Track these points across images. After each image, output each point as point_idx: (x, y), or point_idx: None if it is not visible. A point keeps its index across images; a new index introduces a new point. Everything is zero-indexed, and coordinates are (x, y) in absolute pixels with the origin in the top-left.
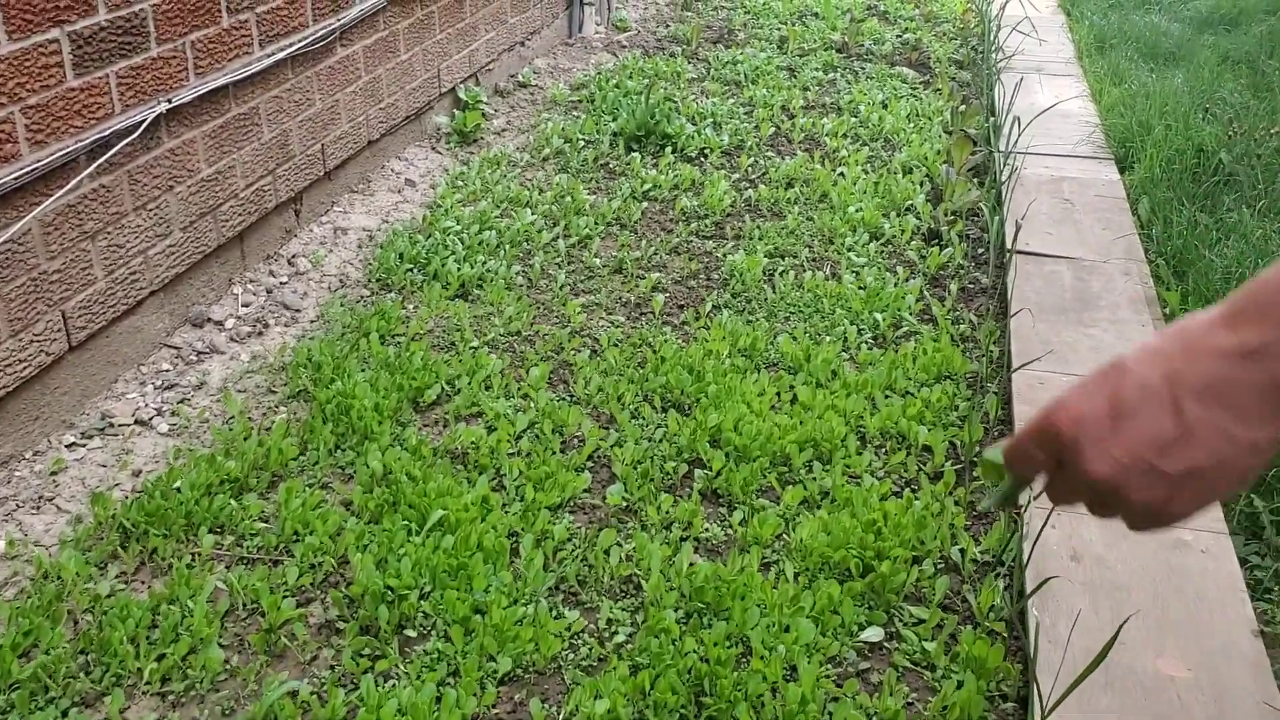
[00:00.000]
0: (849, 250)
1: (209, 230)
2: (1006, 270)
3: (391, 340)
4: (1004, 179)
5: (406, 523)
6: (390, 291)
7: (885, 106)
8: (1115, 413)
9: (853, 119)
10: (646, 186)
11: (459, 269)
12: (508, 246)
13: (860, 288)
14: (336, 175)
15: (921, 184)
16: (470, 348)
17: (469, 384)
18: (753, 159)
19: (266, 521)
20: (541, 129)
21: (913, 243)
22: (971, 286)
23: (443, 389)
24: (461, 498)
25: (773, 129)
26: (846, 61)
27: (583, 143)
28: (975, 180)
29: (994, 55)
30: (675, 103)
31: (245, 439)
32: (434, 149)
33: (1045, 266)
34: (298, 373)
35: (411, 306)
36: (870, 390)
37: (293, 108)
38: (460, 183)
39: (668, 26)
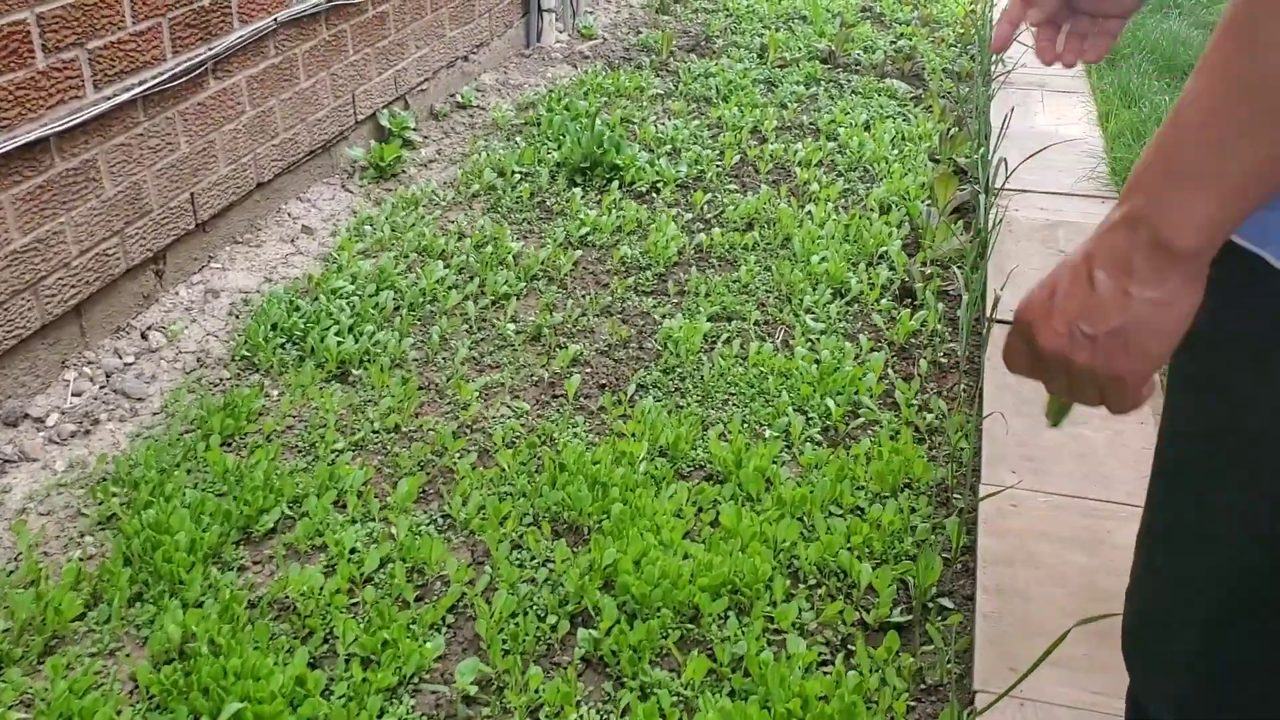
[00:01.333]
0: (806, 312)
1: (28, 309)
2: (984, 345)
3: (238, 442)
4: (990, 224)
5: (195, 718)
6: (256, 372)
7: (868, 128)
8: (1052, 293)
9: (830, 144)
10: (584, 230)
11: (340, 343)
12: (405, 311)
13: (814, 362)
14: (214, 226)
15: (900, 225)
16: (332, 451)
17: (317, 505)
18: (711, 194)
19: (28, 706)
20: (475, 160)
21: (882, 302)
22: (945, 360)
23: (283, 513)
24: (271, 679)
25: (738, 157)
26: (832, 73)
27: (519, 176)
28: (960, 222)
29: (993, 67)
30: (634, 124)
31: (27, 587)
32: (344, 187)
33: None
34: (109, 493)
35: (275, 393)
36: (809, 507)
37: (148, 155)
38: (365, 230)
39: (639, 33)
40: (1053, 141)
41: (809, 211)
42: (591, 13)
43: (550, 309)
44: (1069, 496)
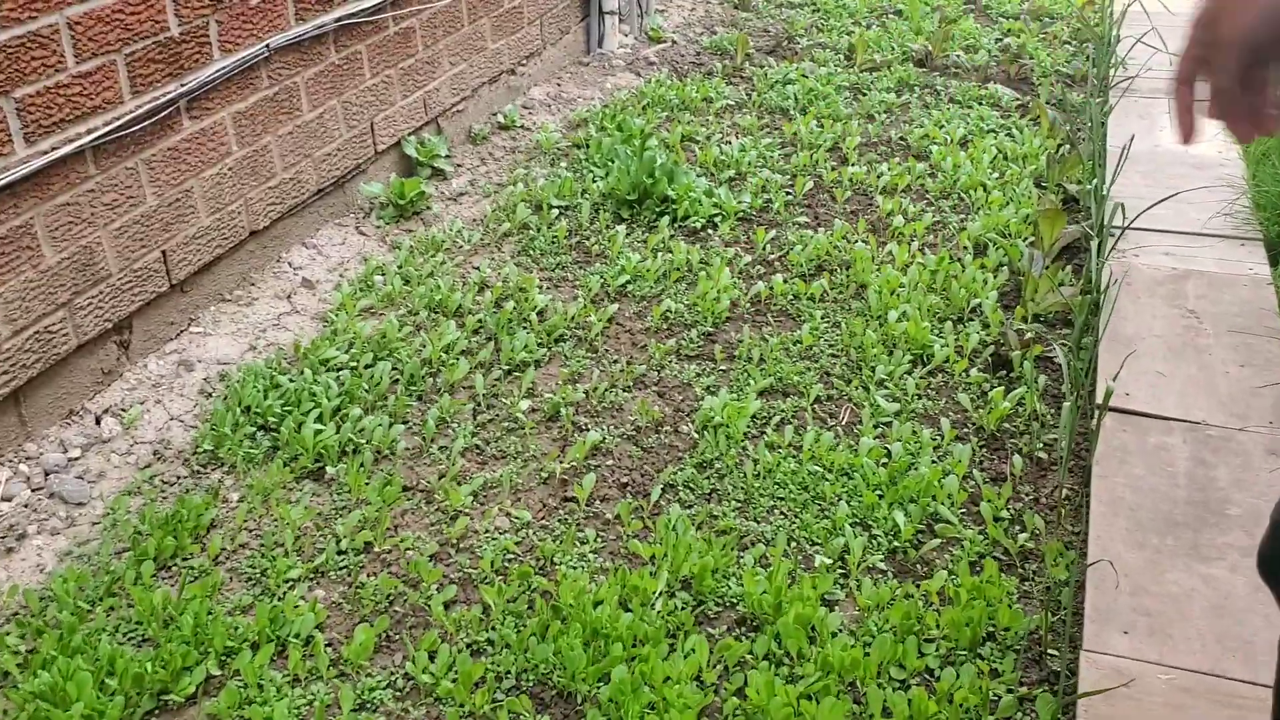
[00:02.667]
0: (878, 386)
1: None
2: (1094, 441)
3: (178, 567)
4: (1104, 275)
5: None
6: (219, 468)
7: (965, 146)
8: None
9: (920, 165)
10: (624, 279)
11: (318, 432)
12: (403, 388)
13: (883, 458)
14: (195, 285)
15: (996, 271)
16: (284, 582)
17: (251, 662)
18: (776, 231)
19: None
20: (510, 192)
21: (971, 373)
22: (1045, 455)
23: (209, 673)
24: None
25: (812, 182)
26: (927, 78)
27: (557, 212)
28: (1069, 267)
29: (1112, 72)
30: (697, 142)
31: None
32: (359, 229)
33: (1150, 437)
34: (3, 645)
35: (235, 497)
36: (863, 675)
37: (102, 212)
38: (375, 281)
39: (714, 33)
40: (1181, 166)
41: (890, 253)
42: (664, 10)
43: (574, 380)
44: (1200, 674)
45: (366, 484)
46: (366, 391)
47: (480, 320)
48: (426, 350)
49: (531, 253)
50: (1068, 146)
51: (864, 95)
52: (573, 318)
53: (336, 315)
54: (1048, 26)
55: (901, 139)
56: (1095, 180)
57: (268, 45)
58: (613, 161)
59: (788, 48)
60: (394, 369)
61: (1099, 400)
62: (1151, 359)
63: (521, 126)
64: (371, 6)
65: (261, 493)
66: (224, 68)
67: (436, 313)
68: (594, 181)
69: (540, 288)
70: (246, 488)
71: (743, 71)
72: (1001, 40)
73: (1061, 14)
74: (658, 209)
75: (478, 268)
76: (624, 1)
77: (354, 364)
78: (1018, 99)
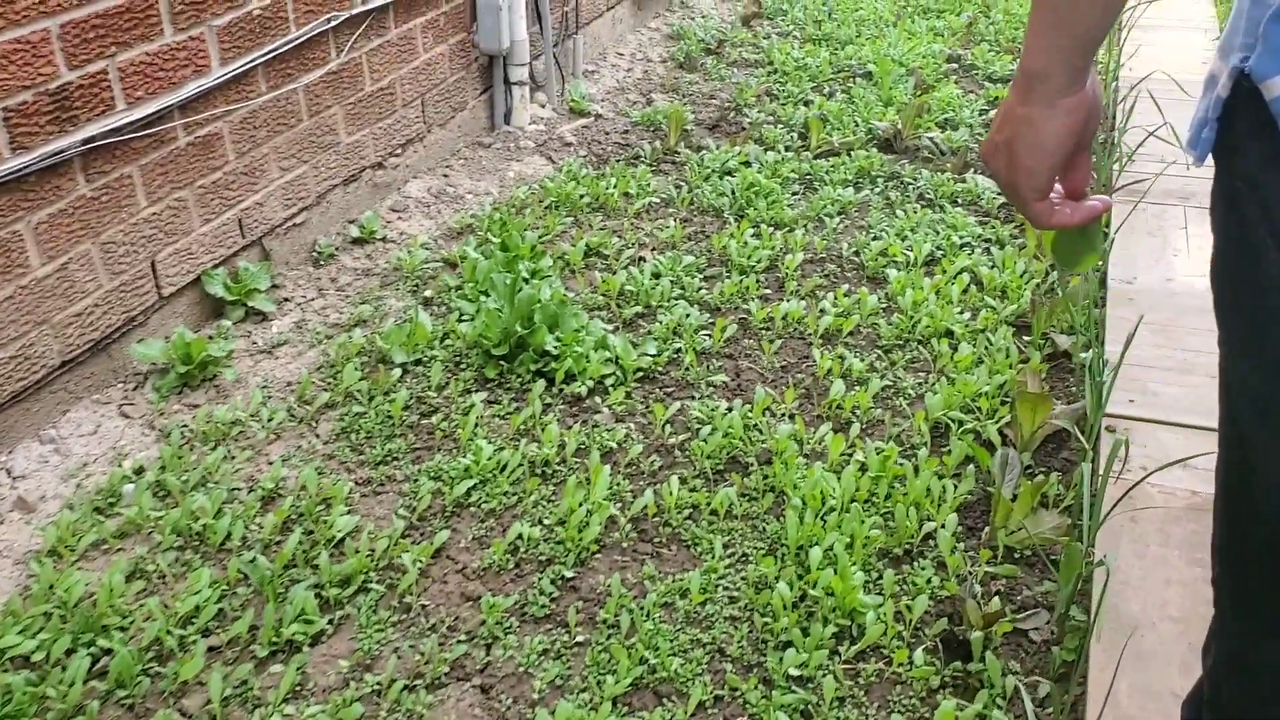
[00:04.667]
0: (785, 683)
1: None
2: None
3: None
4: (1100, 501)
5: None
6: None
7: (932, 268)
8: (997, 114)
9: (874, 297)
10: (467, 483)
11: None
12: (108, 690)
13: None
14: None
15: (959, 474)
16: None
17: None
18: (681, 402)
19: None
20: (345, 341)
21: (915, 658)
22: None
23: None
24: None
25: (736, 324)
26: (894, 165)
27: (399, 371)
28: (1056, 474)
29: (1116, 167)
30: (605, 258)
31: None
32: (123, 409)
33: None
34: None
35: None
36: None
37: None
38: (119, 496)
39: (650, 101)
40: (1205, 314)
41: (822, 441)
42: (595, 72)
43: (364, 668)
44: None
45: None
46: (46, 709)
47: (253, 562)
48: (155, 625)
49: (353, 438)
50: (1057, 276)
51: (816, 189)
52: (383, 554)
53: (44, 561)
54: None
55: (855, 254)
56: (1090, 344)
57: None
58: (487, 294)
59: (733, 121)
60: (98, 663)
61: None
62: (1165, 665)
63: (383, 239)
64: (141, 119)
65: None
66: None
67: (192, 550)
68: (460, 321)
69: (351, 500)
70: None
71: (676, 155)
72: (986, 113)
73: None
74: (533, 367)
75: (272, 464)
76: (541, 67)
77: (44, 655)
78: (1001, 196)
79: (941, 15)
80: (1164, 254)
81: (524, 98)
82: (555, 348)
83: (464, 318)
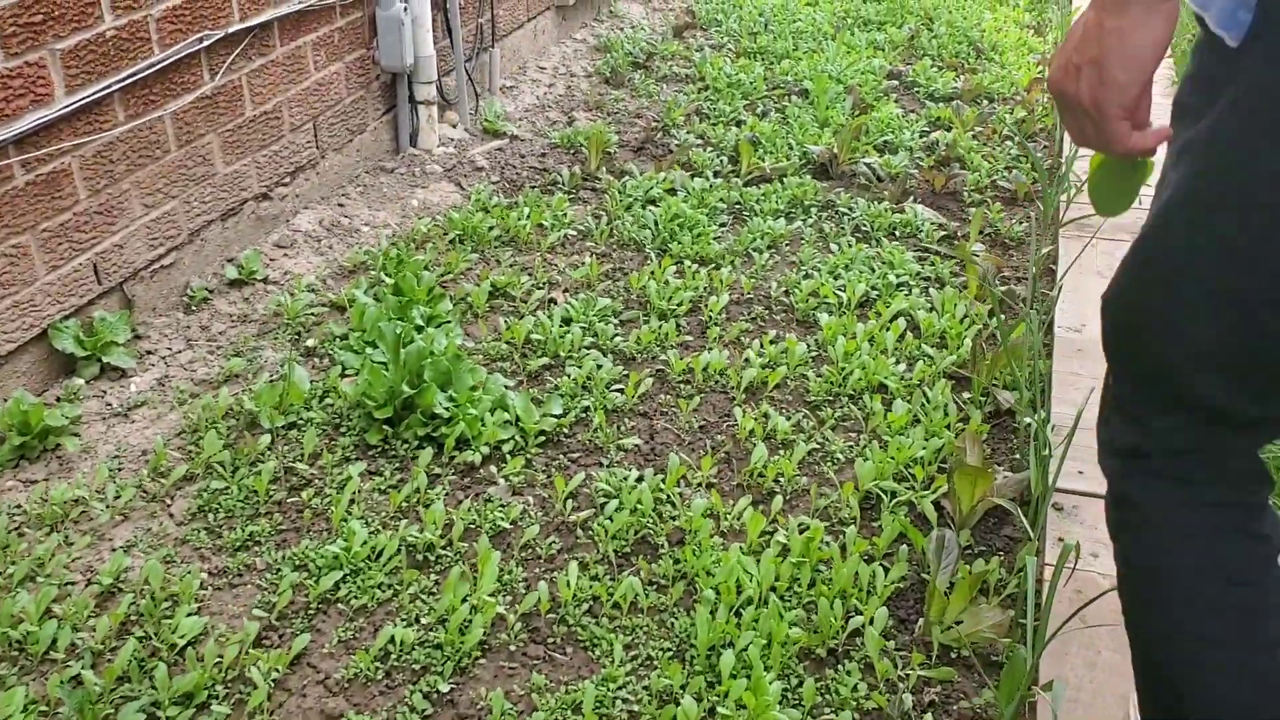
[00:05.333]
0: None
1: None
2: None
3: None
4: (1045, 610)
5: None
6: None
7: (866, 311)
8: (1066, 42)
9: (803, 345)
10: (335, 575)
11: None
12: None
13: None
14: None
15: (890, 557)
16: None
17: None
18: (587, 471)
19: None
20: (212, 401)
21: None
22: None
23: None
24: None
25: (652, 378)
26: (829, 193)
27: (269, 438)
28: (1001, 559)
29: (1064, 198)
30: (512, 300)
31: None
32: None
33: None
34: None
35: None
36: None
37: None
38: None
39: (571, 120)
40: None
41: (740, 516)
42: (513, 88)
43: None
44: None
45: None
46: None
47: (74, 686)
48: None
49: (211, 518)
50: (1001, 317)
51: (746, 220)
52: (233, 663)
53: None
54: (988, 112)
55: (785, 295)
56: (1035, 401)
57: None
58: (375, 345)
59: (660, 143)
60: None
61: None
62: None
63: (264, 280)
64: None
65: None
66: None
67: (9, 662)
68: (345, 376)
69: (201, 596)
70: None
71: (597, 180)
72: (927, 135)
73: (1004, 94)
74: (421, 432)
75: (115, 551)
76: (453, 84)
77: None
78: (942, 226)
79: (883, 27)
80: None
81: (431, 118)
82: (447, 409)
83: (348, 372)
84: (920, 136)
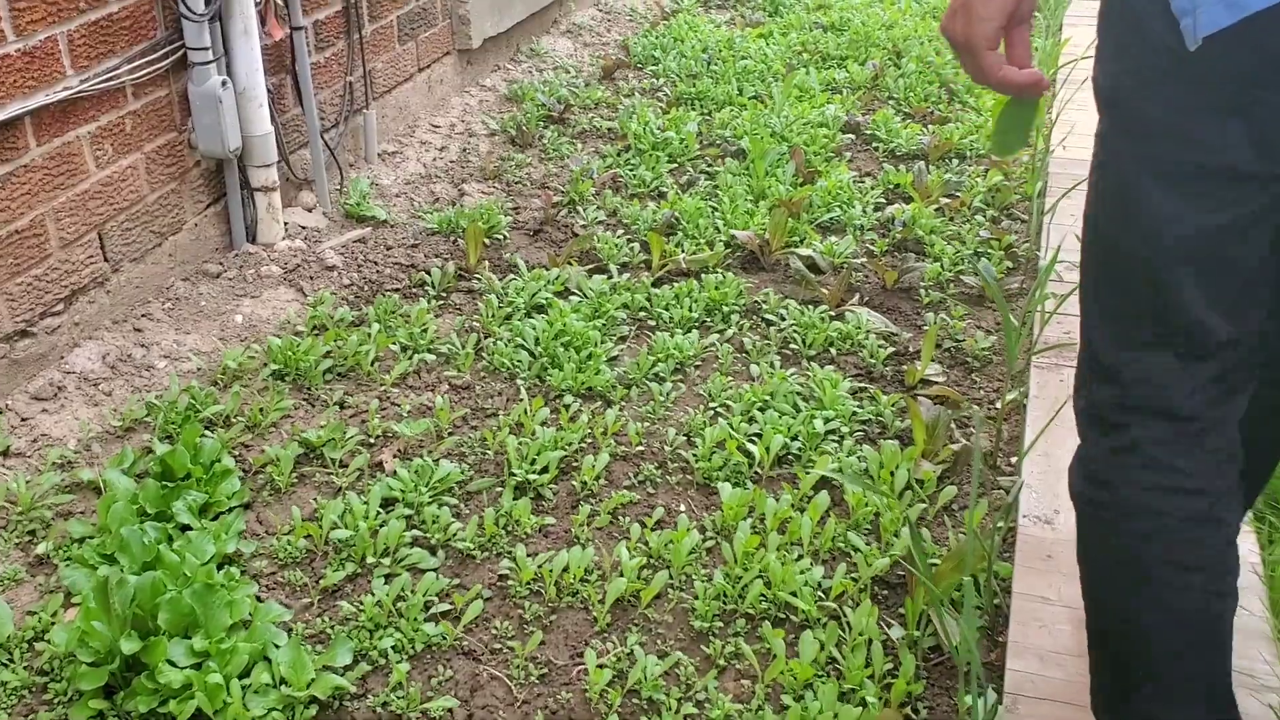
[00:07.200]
0: None
1: None
2: None
3: None
4: None
5: None
6: None
7: (782, 472)
8: None
9: (697, 531)
10: None
11: None
12: None
13: None
14: None
15: None
16: None
17: None
18: None
19: None
20: None
21: None
22: None
23: None
24: None
25: (490, 591)
26: (756, 293)
27: None
28: None
29: (1037, 318)
30: (330, 469)
31: None
32: None
33: None
34: None
35: None
36: None
37: None
38: None
39: (461, 194)
40: None
41: None
42: (396, 153)
43: None
44: None
45: None
46: None
47: None
48: None
49: None
50: (954, 486)
51: (650, 333)
52: None
53: None
54: (957, 177)
55: (686, 442)
56: (987, 636)
57: None
58: (118, 560)
59: (563, 224)
60: None
61: None
62: None
63: (3, 452)
64: None
65: None
66: None
67: None
68: (72, 605)
69: None
70: None
71: (476, 279)
72: (883, 210)
73: (977, 151)
74: (146, 709)
75: None
76: (308, 160)
77: None
78: (891, 338)
79: (844, 63)
80: None
81: (273, 206)
82: (186, 672)
83: (75, 599)
84: (874, 210)
